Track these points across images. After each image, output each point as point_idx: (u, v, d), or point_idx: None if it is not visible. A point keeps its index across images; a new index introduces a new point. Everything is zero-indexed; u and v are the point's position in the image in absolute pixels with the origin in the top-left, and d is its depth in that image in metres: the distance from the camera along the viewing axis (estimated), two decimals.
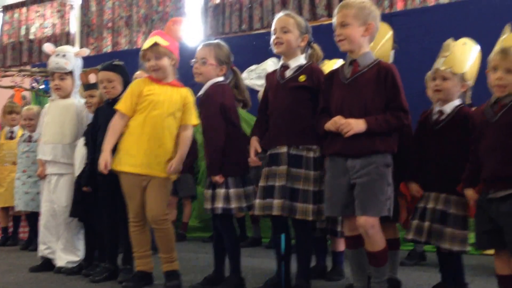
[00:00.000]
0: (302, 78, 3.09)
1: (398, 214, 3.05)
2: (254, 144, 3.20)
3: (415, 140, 3.03)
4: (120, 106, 3.39)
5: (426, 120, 3.06)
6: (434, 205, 2.91)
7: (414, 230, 2.94)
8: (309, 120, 3.05)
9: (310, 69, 3.12)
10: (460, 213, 2.87)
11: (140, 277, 3.41)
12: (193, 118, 3.44)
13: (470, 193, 2.68)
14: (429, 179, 2.95)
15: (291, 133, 3.07)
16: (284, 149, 3.07)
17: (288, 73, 3.15)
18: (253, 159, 3.20)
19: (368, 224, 2.67)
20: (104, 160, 3.31)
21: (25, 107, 5.69)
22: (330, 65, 3.76)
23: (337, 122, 2.71)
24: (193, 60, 3.37)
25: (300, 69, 3.12)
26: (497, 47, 2.64)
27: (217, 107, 3.25)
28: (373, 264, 2.77)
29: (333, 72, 2.92)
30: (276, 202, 3.01)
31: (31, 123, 5.47)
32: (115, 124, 3.37)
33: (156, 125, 3.34)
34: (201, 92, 3.36)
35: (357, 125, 2.64)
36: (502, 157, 2.47)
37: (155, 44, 3.37)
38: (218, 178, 3.20)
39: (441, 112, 3.00)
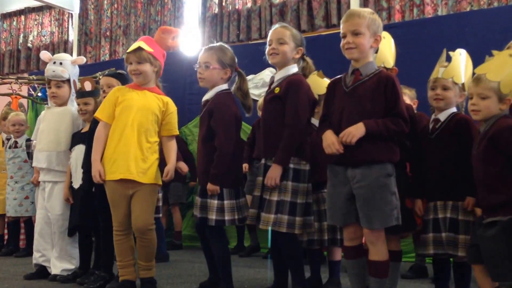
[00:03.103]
0: (277, 89, 3.13)
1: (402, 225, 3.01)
2: None
3: (415, 153, 3.02)
4: (99, 113, 3.42)
5: (423, 131, 3.08)
6: (444, 214, 2.90)
7: (433, 243, 2.92)
8: (280, 131, 3.07)
9: (286, 80, 3.13)
10: (468, 218, 2.87)
11: (125, 286, 3.37)
12: (174, 129, 3.50)
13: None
14: (432, 188, 2.96)
15: (265, 145, 3.14)
16: (263, 161, 3.15)
17: (272, 86, 3.20)
18: None
19: (374, 236, 2.69)
20: (97, 171, 3.32)
21: (13, 113, 5.67)
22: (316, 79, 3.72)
23: (334, 144, 2.69)
24: (196, 65, 3.37)
25: (282, 81, 3.15)
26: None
27: (233, 116, 3.26)
28: (374, 275, 2.74)
29: (335, 81, 2.92)
30: (251, 211, 3.12)
31: (21, 128, 5.49)
32: (99, 134, 3.40)
33: (133, 130, 3.31)
34: (207, 97, 3.34)
35: (357, 130, 2.63)
36: (484, 187, 2.57)
37: (139, 49, 3.37)
38: (217, 189, 3.18)
39: (437, 121, 3.03)
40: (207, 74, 3.31)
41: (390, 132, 2.68)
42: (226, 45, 3.42)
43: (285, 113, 3.06)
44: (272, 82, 3.25)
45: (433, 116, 3.06)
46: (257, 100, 5.11)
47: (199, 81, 3.36)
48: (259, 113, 4.91)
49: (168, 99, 3.47)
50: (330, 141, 2.71)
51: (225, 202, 3.21)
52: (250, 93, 5.45)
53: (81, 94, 4.01)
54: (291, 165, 3.05)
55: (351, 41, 2.76)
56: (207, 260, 3.46)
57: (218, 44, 3.43)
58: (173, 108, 3.48)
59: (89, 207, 3.80)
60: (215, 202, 3.19)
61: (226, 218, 3.20)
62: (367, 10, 2.85)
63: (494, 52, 2.65)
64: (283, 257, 3.18)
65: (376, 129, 2.64)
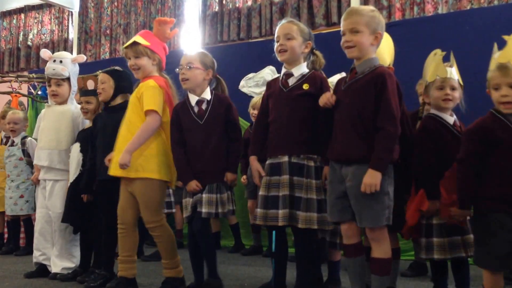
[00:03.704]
0: (306, 86, 3.08)
1: (400, 224, 3.00)
2: (257, 167, 3.16)
3: (431, 153, 2.86)
4: None
5: (444, 131, 2.93)
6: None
7: (438, 248, 2.85)
8: (310, 129, 3.04)
9: (313, 77, 3.11)
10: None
11: (123, 284, 3.37)
12: (145, 105, 3.27)
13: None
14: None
15: (293, 142, 3.06)
16: (285, 158, 3.04)
17: (291, 81, 3.13)
18: (258, 182, 3.19)
19: (376, 234, 2.68)
20: (108, 158, 3.40)
21: (11, 111, 5.68)
22: None
23: (326, 96, 2.82)
24: (178, 68, 3.38)
25: (304, 77, 3.12)
26: (493, 65, 2.60)
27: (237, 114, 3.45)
28: (375, 273, 2.73)
29: (342, 80, 2.92)
30: (282, 212, 2.97)
31: (15, 127, 5.48)
32: None
33: (122, 125, 3.39)
34: (206, 97, 3.36)
35: (374, 179, 2.58)
36: None
37: (135, 43, 3.37)
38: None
39: (456, 122, 2.96)
40: (190, 74, 3.34)
41: (392, 149, 2.64)
42: (206, 51, 3.51)
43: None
44: (287, 77, 3.16)
45: (449, 117, 2.95)
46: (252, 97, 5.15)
47: (182, 84, 3.38)
48: (252, 111, 4.95)
49: (145, 81, 3.36)
50: (324, 96, 2.83)
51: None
52: (251, 91, 5.51)
53: (83, 92, 4.01)
54: (319, 163, 3.04)
55: (350, 39, 2.74)
56: (194, 262, 3.44)
57: (199, 50, 3.57)
58: (145, 86, 3.33)
59: (77, 205, 3.84)
60: (229, 194, 3.37)
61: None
62: (367, 8, 2.82)
63: (506, 37, 2.57)
64: (304, 256, 3.12)
65: (384, 162, 2.62)
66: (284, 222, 2.97)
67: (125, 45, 3.41)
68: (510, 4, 6.54)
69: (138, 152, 3.27)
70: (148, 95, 3.29)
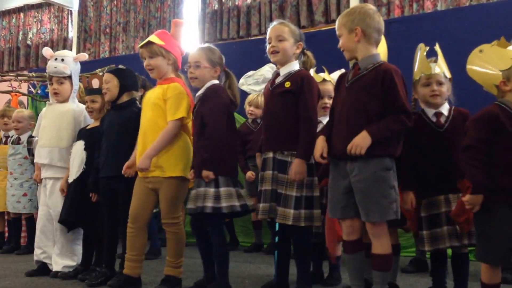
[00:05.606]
0: (287, 84, 3.14)
1: (403, 219, 3.00)
2: (258, 163, 3.28)
3: (410, 147, 2.92)
4: None
5: (421, 125, 2.98)
6: (446, 208, 2.87)
7: (433, 239, 2.87)
8: (293, 126, 3.10)
9: (297, 75, 3.16)
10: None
11: (125, 281, 3.38)
12: (169, 114, 3.32)
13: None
14: (436, 182, 2.90)
15: (277, 139, 3.15)
16: (270, 155, 3.15)
17: (277, 80, 3.22)
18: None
19: (375, 229, 2.69)
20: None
21: (16, 110, 5.68)
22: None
23: (316, 155, 2.80)
24: (187, 65, 3.39)
25: (288, 76, 3.18)
26: None
27: (224, 104, 3.28)
28: (377, 269, 2.73)
29: (342, 76, 2.95)
30: (262, 206, 3.10)
31: (19, 125, 5.48)
32: None
33: (143, 125, 3.41)
34: (200, 92, 3.35)
35: (363, 141, 2.62)
36: None
37: (149, 43, 3.38)
38: (211, 175, 3.16)
39: (439, 114, 2.97)
40: (198, 73, 3.35)
41: (394, 133, 2.68)
42: (213, 46, 3.49)
43: (301, 107, 3.07)
44: (275, 76, 3.26)
45: (432, 110, 2.99)
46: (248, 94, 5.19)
47: (190, 81, 3.40)
48: (248, 108, 5.06)
49: (170, 85, 3.38)
50: (316, 149, 2.82)
51: (222, 189, 3.18)
52: (251, 89, 5.52)
53: (89, 91, 4.01)
54: None
55: (339, 45, 2.85)
56: (202, 257, 3.44)
57: (206, 44, 3.53)
58: (172, 92, 3.35)
59: (79, 202, 3.84)
60: (211, 190, 3.16)
61: (223, 205, 3.15)
62: (349, 10, 2.88)
63: None
64: (297, 253, 3.18)
65: (381, 135, 2.64)
66: (262, 215, 3.08)
67: (140, 44, 3.44)
68: (509, 1, 6.53)
69: (166, 152, 3.31)
70: (175, 103, 3.33)
